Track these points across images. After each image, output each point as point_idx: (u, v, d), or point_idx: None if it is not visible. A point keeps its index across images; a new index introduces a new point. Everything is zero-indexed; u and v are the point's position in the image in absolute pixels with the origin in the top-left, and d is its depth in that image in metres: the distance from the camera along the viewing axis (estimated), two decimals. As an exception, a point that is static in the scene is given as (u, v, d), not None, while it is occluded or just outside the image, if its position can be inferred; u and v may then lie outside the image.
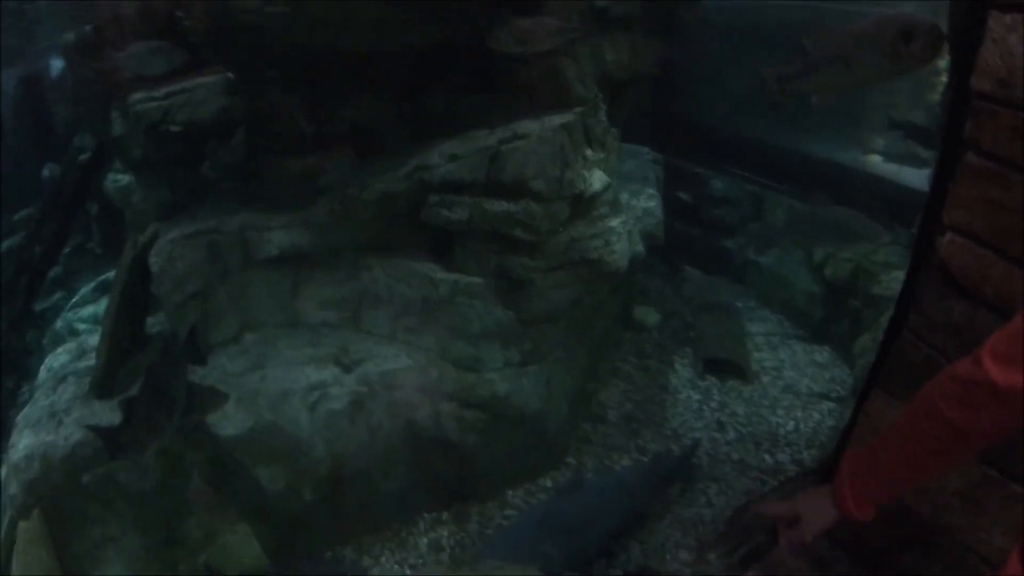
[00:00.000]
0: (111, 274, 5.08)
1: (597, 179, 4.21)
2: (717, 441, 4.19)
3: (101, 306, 4.97)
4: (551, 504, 3.85)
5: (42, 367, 4.34)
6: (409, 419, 3.86)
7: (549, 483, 4.08)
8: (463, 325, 4.00)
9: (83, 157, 5.46)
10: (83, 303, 5.21)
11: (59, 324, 5.08)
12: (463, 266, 4.05)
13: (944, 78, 5.33)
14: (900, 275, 4.39)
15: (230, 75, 4.26)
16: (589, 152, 4.24)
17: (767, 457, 4.04)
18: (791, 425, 4.25)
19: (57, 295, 5.77)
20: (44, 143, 6.78)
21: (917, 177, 4.85)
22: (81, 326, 4.93)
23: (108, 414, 3.68)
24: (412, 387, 3.87)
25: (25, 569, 3.51)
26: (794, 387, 4.57)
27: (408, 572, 3.71)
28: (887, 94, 5.53)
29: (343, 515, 3.84)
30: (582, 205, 4.13)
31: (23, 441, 3.66)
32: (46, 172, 6.55)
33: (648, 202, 5.21)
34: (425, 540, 3.88)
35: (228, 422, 3.68)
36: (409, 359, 3.95)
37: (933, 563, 2.02)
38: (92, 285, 5.32)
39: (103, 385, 3.88)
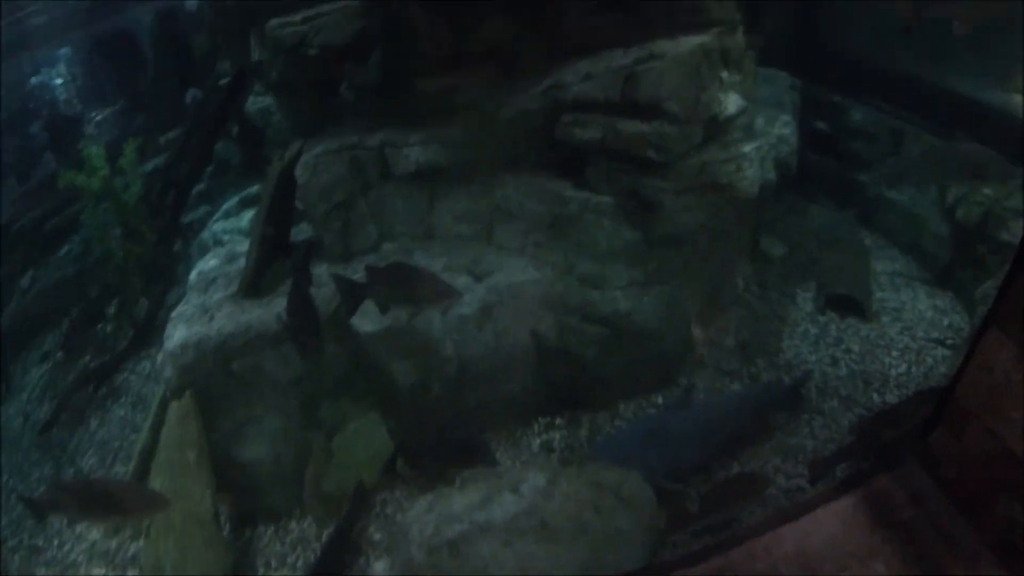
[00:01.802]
0: (253, 189, 5.42)
1: (732, 102, 4.16)
2: (828, 375, 4.21)
3: (244, 219, 5.26)
4: (659, 418, 4.03)
5: (192, 271, 4.64)
6: (533, 329, 4.05)
7: (661, 399, 4.22)
8: (590, 243, 4.11)
9: (224, 82, 5.68)
10: (227, 216, 5.46)
11: (205, 235, 5.38)
12: (594, 185, 4.13)
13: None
14: None
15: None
16: (725, 74, 4.18)
17: (875, 396, 4.04)
18: (903, 368, 4.22)
19: (202, 209, 6.12)
20: (186, 71, 7.15)
21: None
22: (226, 236, 5.19)
23: (257, 310, 4.01)
24: (538, 299, 4.03)
25: (175, 442, 3.89)
26: (912, 330, 4.50)
27: (518, 466, 3.94)
28: None
29: (466, 411, 4.09)
30: (716, 128, 4.11)
31: (178, 332, 3.99)
32: (189, 97, 6.92)
33: (783, 129, 5.13)
34: (538, 441, 4.12)
35: (368, 320, 3.91)
36: (537, 272, 4.09)
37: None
38: (235, 200, 5.57)
39: (252, 285, 4.19)
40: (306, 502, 3.96)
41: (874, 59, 5.49)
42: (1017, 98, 5.00)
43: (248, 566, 3.76)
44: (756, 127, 4.54)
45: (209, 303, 4.17)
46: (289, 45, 4.34)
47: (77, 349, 5.62)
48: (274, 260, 4.26)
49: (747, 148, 4.20)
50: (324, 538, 3.77)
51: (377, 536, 3.72)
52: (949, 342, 4.33)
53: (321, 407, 4.13)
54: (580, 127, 4.03)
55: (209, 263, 4.63)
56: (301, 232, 4.51)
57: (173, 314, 4.18)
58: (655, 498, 3.27)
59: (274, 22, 4.36)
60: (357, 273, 4.08)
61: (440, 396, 4.01)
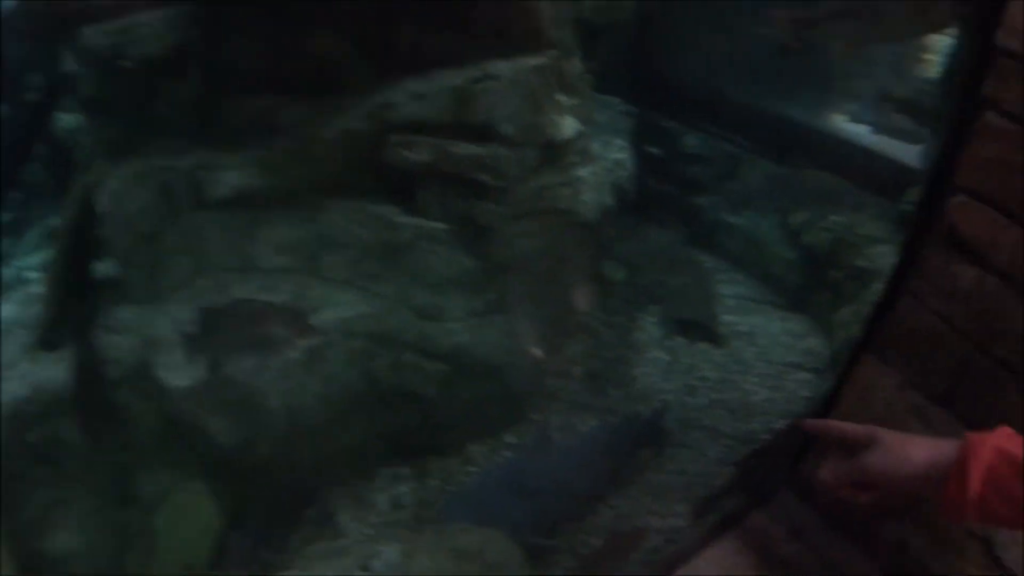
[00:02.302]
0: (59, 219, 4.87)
1: (569, 126, 4.05)
2: (687, 405, 4.08)
3: (51, 252, 4.63)
4: (517, 463, 3.75)
5: None
6: (367, 369, 3.73)
7: (513, 439, 3.97)
8: (425, 272, 3.85)
9: (31, 96, 5.17)
10: (31, 250, 4.94)
11: (7, 272, 4.77)
12: (426, 210, 3.88)
13: (928, 55, 5.24)
14: (885, 249, 4.37)
15: (186, 8, 3.94)
16: (562, 97, 4.07)
17: (740, 425, 3.93)
18: (764, 394, 4.15)
19: (6, 242, 5.34)
20: None
21: (906, 152, 4.74)
22: (31, 274, 4.65)
23: (52, 367, 3.54)
24: (371, 336, 3.73)
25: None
26: (767, 354, 4.46)
27: (368, 533, 3.56)
28: (865, 64, 5.44)
29: (301, 470, 3.72)
30: (552, 152, 3.97)
31: None
32: None
33: (619, 154, 5.04)
34: (385, 496, 3.74)
35: (178, 372, 3.51)
36: (368, 306, 3.79)
37: (917, 534, 1.95)
38: (40, 231, 5.06)
39: (47, 337, 3.73)
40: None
41: (709, 86, 5.57)
42: (863, 128, 5.21)
43: None
44: (593, 151, 4.45)
45: (4, 359, 3.65)
46: (103, 56, 3.89)
47: None
48: (72, 305, 3.82)
49: (584, 172, 4.12)
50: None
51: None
52: (810, 366, 4.30)
53: (136, 478, 3.67)
54: (410, 149, 3.79)
55: (7, 311, 4.06)
56: (106, 269, 4.02)
57: (-37, 377, 3.58)
58: (524, 559, 2.95)
59: (88, 30, 3.89)
60: (166, 317, 3.69)
61: (269, 455, 3.62)
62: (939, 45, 4.93)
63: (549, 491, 3.42)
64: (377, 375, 3.73)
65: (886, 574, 2.07)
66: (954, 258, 1.64)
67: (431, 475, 3.81)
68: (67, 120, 5.13)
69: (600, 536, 3.40)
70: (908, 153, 4.69)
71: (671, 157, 5.66)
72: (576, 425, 3.98)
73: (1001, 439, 1.26)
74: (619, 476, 3.67)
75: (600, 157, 4.79)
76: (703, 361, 4.39)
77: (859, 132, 5.17)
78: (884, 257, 4.22)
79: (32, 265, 4.72)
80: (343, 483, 3.79)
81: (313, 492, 3.70)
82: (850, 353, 2.02)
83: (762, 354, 4.45)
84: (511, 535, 3.00)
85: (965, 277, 1.63)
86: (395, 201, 3.93)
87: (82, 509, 3.52)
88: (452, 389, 3.79)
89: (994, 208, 1.54)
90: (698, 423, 3.95)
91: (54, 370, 3.56)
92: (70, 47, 4.26)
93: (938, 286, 1.70)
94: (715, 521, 2.31)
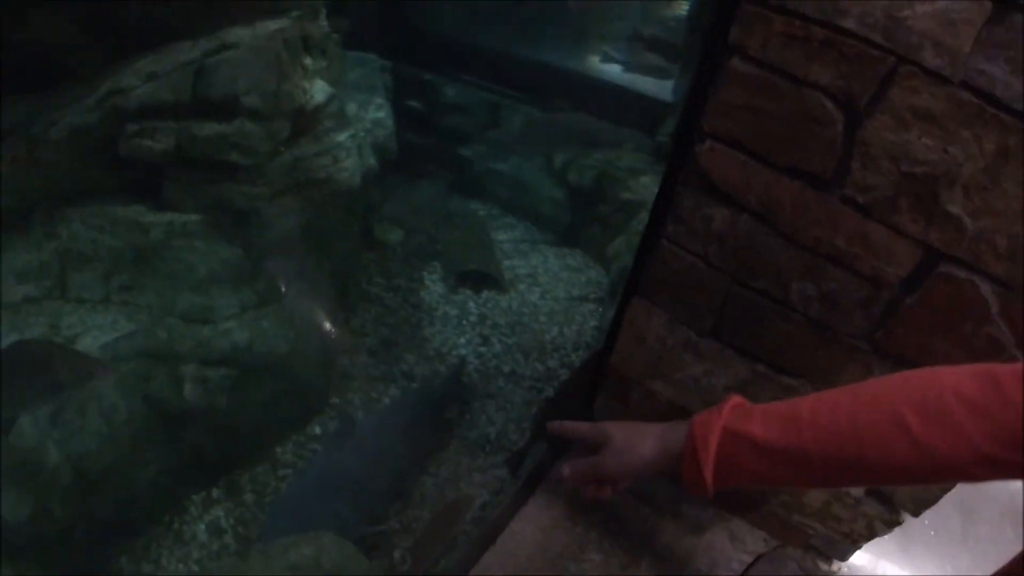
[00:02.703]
0: None
1: (319, 90, 3.87)
2: (484, 356, 4.09)
3: None
4: (327, 456, 3.58)
5: None
6: (146, 394, 3.37)
7: (318, 430, 3.80)
8: (186, 272, 3.53)
9: None
10: None
11: None
12: (176, 204, 3.56)
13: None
14: (647, 180, 4.61)
15: None
16: (309, 61, 3.87)
17: (538, 365, 4.00)
18: (555, 331, 4.25)
19: None
20: None
21: (659, 87, 5.07)
22: None
23: None
24: (141, 355, 3.37)
25: None
26: (551, 292, 4.57)
27: (195, 569, 3.28)
28: (619, 7, 5.73)
29: (105, 522, 3.29)
30: (304, 120, 3.77)
31: None
32: None
33: (377, 112, 4.92)
34: (202, 525, 3.45)
35: None
36: (131, 323, 3.41)
37: None
38: None
39: None
40: None
41: (464, 36, 5.57)
42: (616, 68, 5.39)
43: None
44: (349, 113, 4.29)
45: None
46: None
47: None
48: None
49: (342, 137, 3.97)
50: None
51: None
52: (593, 296, 4.48)
53: None
54: (149, 137, 3.43)
55: None
56: None
57: None
58: (359, 552, 2.83)
59: None
60: None
61: (67, 517, 3.16)
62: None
63: (366, 476, 3.31)
64: (158, 397, 3.39)
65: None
66: (705, 201, 1.70)
67: (243, 490, 3.58)
68: None
69: (430, 508, 3.34)
70: (662, 89, 5.06)
71: (432, 110, 5.62)
72: (378, 400, 3.88)
73: (728, 415, 1.33)
74: (432, 442, 3.63)
75: (358, 118, 4.68)
76: (491, 309, 4.43)
77: (613, 71, 5.42)
78: (647, 188, 4.45)
79: None
80: (156, 523, 3.43)
81: (124, 541, 3.34)
82: (621, 297, 2.09)
83: (547, 292, 4.57)
84: (341, 533, 2.88)
85: (718, 218, 1.70)
86: (140, 199, 3.57)
87: None
88: (241, 394, 3.54)
89: (743, 152, 1.59)
90: (498, 371, 3.99)
91: None
92: None
93: (693, 228, 1.77)
94: (526, 477, 2.34)
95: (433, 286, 4.63)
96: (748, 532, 2.32)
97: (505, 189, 5.39)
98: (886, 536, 2.12)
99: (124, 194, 3.58)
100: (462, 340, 4.22)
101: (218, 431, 3.54)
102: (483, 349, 4.15)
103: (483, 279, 4.61)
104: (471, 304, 4.49)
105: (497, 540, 2.16)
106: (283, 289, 3.78)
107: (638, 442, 1.46)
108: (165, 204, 3.57)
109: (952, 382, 1.09)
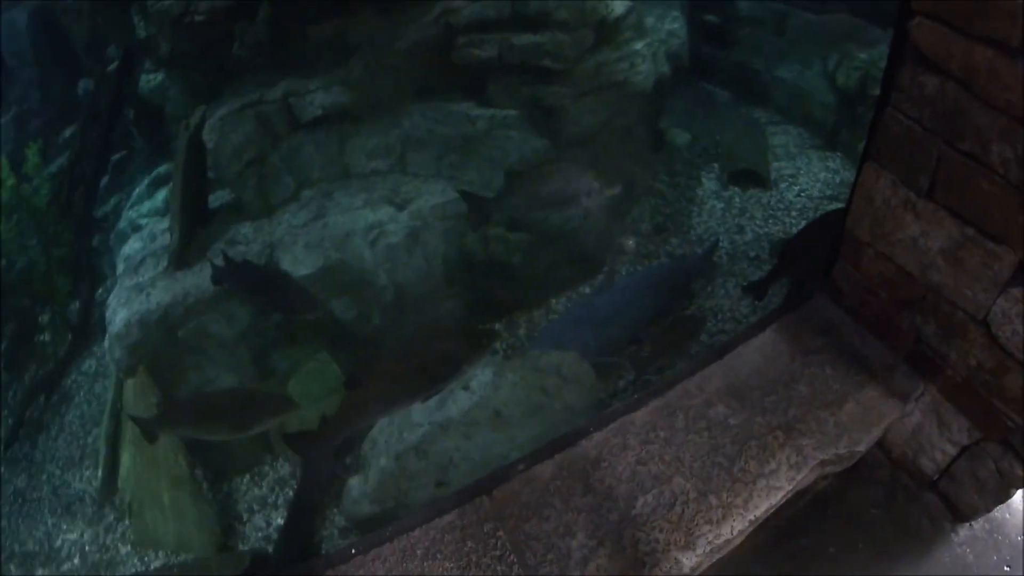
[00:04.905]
0: (161, 169, 5.31)
1: (619, 4, 4.32)
2: (736, 242, 4.53)
3: (157, 199, 5.16)
4: (587, 303, 4.25)
5: (118, 260, 4.58)
6: (460, 245, 4.21)
7: (588, 290, 4.46)
8: (502, 156, 4.24)
9: (112, 67, 5.48)
10: (139, 200, 5.33)
11: (122, 224, 5.25)
12: (497, 101, 4.27)
13: None
14: None
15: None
16: (613, -23, 4.30)
17: (780, 254, 4.36)
18: (802, 224, 4.49)
19: (113, 199, 5.88)
20: (72, 63, 6.76)
21: None
22: (143, 220, 5.06)
23: (190, 278, 4.01)
24: (461, 217, 4.16)
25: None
26: (807, 191, 4.84)
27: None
28: None
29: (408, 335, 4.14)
30: (606, 30, 4.26)
31: (119, 315, 3.96)
32: (81, 89, 6.56)
33: (673, 24, 5.30)
34: None
35: (301, 264, 3.99)
36: (455, 193, 4.19)
37: (927, 322, 2.23)
38: (144, 183, 5.44)
39: (181, 257, 4.15)
40: (275, 446, 4.08)
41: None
42: None
43: (232, 514, 3.90)
44: (646, 25, 4.71)
45: (142, 283, 4.15)
46: (175, 15, 4.26)
47: (20, 364, 5.53)
48: (196, 229, 4.26)
49: (639, 46, 4.40)
50: (299, 471, 3.92)
51: (347, 459, 3.90)
52: (843, 196, 4.60)
53: (271, 357, 4.19)
54: (476, 47, 4.16)
55: (132, 247, 4.57)
56: (221, 196, 4.53)
57: (109, 300, 4.16)
58: (593, 372, 3.53)
59: (153, -7, 4.23)
60: (281, 225, 4.17)
61: (381, 325, 4.12)
62: None
63: (614, 321, 3.94)
64: (468, 249, 4.21)
65: (908, 360, 2.33)
66: (918, 70, 1.98)
67: (519, 326, 4.35)
68: (150, 80, 5.54)
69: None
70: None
71: (727, 23, 5.90)
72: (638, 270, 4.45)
73: None
74: (675, 305, 4.16)
75: (654, 29, 5.10)
76: (753, 204, 4.82)
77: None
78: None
79: (144, 212, 5.17)
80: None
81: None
82: (858, 165, 2.32)
83: (803, 192, 4.86)
84: (583, 356, 3.58)
85: (929, 85, 1.99)
86: (469, 97, 4.33)
87: (227, 384, 4.04)
88: (534, 255, 4.24)
89: (944, 25, 1.83)
90: (744, 255, 4.42)
91: (191, 280, 4.02)
92: (140, 14, 4.64)
93: (911, 95, 2.03)
94: (755, 321, 2.67)
95: (708, 183, 5.07)
96: (955, 417, 2.31)
97: (785, 95, 5.58)
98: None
99: (455, 93, 4.40)
100: (721, 228, 4.67)
101: (509, 280, 4.32)
102: (736, 236, 4.58)
103: (752, 178, 4.96)
104: (736, 199, 4.89)
105: (725, 357, 2.50)
106: (579, 174, 4.19)
107: None
108: (488, 101, 4.32)
109: None
